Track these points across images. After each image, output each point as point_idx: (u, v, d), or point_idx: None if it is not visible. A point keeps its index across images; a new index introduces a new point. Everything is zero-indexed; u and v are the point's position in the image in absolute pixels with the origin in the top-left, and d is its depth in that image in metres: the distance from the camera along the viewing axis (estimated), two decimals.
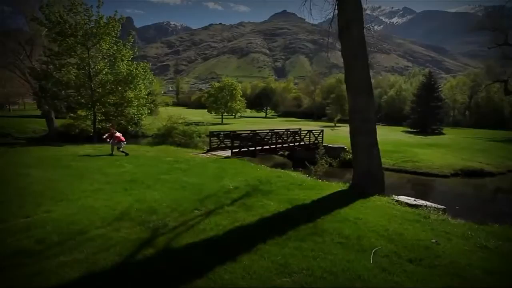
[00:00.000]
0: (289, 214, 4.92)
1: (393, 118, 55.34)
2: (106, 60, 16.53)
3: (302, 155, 16.44)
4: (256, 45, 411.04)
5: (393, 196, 6.67)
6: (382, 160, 7.75)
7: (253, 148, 13.95)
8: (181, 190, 6.27)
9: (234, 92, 54.49)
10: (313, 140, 17.63)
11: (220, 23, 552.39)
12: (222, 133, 15.01)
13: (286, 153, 18.64)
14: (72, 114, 18.16)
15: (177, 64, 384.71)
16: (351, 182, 7.56)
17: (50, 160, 9.23)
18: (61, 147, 13.34)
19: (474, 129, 42.54)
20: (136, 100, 17.52)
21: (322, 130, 18.65)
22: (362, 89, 7.02)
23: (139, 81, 16.80)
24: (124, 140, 11.85)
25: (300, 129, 18.34)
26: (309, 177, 9.61)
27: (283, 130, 16.25)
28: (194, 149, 15.72)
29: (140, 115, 17.99)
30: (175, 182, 7.11)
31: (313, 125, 38.33)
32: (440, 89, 40.45)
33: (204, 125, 19.78)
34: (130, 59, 17.30)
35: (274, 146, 15.14)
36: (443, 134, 34.97)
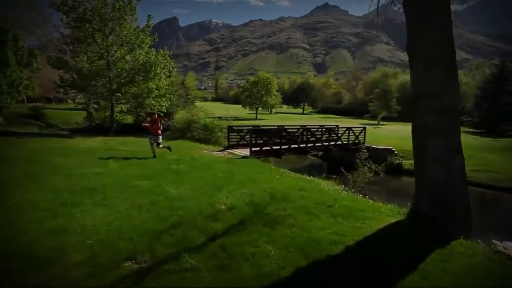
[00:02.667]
0: None
1: None
2: (126, 48, 15.42)
3: (339, 157, 13.65)
4: (295, 40, 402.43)
5: (494, 241, 3.88)
6: None
7: (278, 147, 11.60)
8: (144, 209, 4.27)
9: (269, 86, 52.36)
10: (353, 139, 14.63)
11: (260, 19, 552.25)
12: (244, 128, 12.92)
13: (320, 153, 15.90)
14: (95, 105, 17.56)
15: (217, 60, 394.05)
16: (410, 206, 4.87)
17: (33, 154, 7.98)
18: (70, 139, 12.45)
19: None
20: (157, 91, 16.24)
21: (364, 128, 15.52)
22: (439, 60, 4.30)
23: (157, 69, 15.41)
24: (159, 133, 9.42)
25: (337, 126, 15.44)
26: (345, 190, 7.08)
27: (317, 127, 13.57)
28: (214, 145, 13.90)
29: (160, 107, 16.68)
30: (149, 193, 5.17)
31: (354, 123, 34.37)
32: None
33: (228, 120, 17.84)
34: (149, 46, 16.01)
35: (304, 145, 12.58)
36: None
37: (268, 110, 61.24)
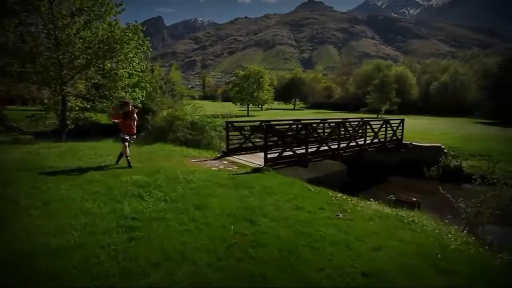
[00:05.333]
0: None
1: (447, 109, 45.73)
2: (80, 19, 11.36)
3: (372, 160, 10.15)
4: (282, 36, 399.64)
5: None
6: None
7: (303, 151, 7.93)
8: None
9: (261, 80, 48.84)
10: (390, 135, 11.14)
11: (246, 17, 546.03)
12: (247, 124, 9.28)
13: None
14: (46, 100, 13.33)
15: (204, 59, 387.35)
16: None
17: None
18: None
19: None
20: (128, 79, 12.29)
21: (402, 121, 12.00)
22: None
23: (125, 48, 11.43)
24: (134, 131, 6.81)
25: (362, 119, 11.88)
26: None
27: (355, 120, 9.96)
28: (206, 150, 10.11)
29: (133, 100, 12.70)
30: None
31: (352, 117, 31.16)
32: None
33: (223, 117, 14.02)
34: (115, 18, 11.98)
35: (335, 145, 8.92)
36: None
37: (258, 106, 57.93)
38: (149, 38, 12.80)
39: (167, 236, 3.17)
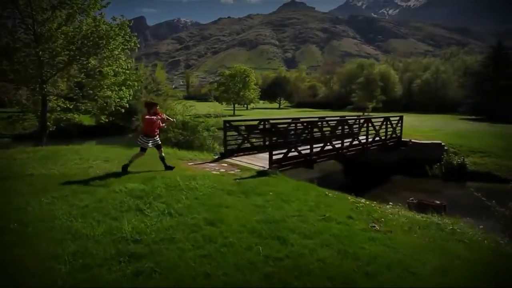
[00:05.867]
0: None
1: (430, 106, 47.02)
2: (62, 13, 10.33)
3: (372, 159, 9.79)
4: (265, 36, 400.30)
5: None
6: None
7: (308, 151, 7.40)
8: None
9: (247, 79, 48.32)
10: (390, 133, 10.85)
11: (229, 17, 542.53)
12: (243, 123, 8.65)
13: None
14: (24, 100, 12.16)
15: (187, 59, 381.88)
16: None
17: None
18: None
19: None
20: (113, 77, 11.35)
21: (400, 117, 11.78)
22: None
23: (110, 43, 10.50)
24: (156, 133, 6.13)
25: (360, 117, 11.55)
26: None
27: (352, 118, 9.56)
28: (200, 152, 9.39)
29: (119, 100, 11.79)
30: None
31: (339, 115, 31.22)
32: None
33: (216, 117, 13.32)
34: (100, 13, 11.01)
35: (339, 144, 8.46)
36: None
37: (243, 106, 57.47)
38: (136, 34, 11.88)
39: (184, 266, 2.50)
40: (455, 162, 10.03)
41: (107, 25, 10.69)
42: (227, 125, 7.89)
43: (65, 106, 11.41)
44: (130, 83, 11.99)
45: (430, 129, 18.45)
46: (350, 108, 53.47)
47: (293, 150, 7.22)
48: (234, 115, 42.35)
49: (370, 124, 9.92)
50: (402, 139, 11.59)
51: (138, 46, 12.00)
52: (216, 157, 7.89)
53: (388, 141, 10.60)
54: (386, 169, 9.33)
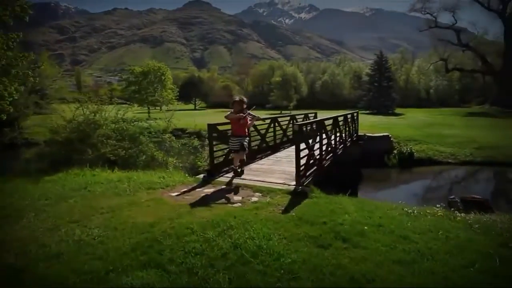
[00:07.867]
0: None
1: (330, 103, 54.48)
2: None
3: (339, 154, 9.73)
4: (171, 34, 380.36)
5: None
6: None
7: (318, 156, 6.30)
8: None
9: (163, 78, 43.79)
10: (352, 129, 11.07)
11: (126, 8, 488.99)
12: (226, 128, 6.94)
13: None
14: None
15: (74, 53, 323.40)
16: None
17: None
18: None
19: (417, 108, 43.41)
20: None
21: (356, 113, 12.12)
22: None
23: None
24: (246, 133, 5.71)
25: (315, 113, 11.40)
26: None
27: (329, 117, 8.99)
28: (163, 172, 7.05)
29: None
30: None
31: (261, 115, 32.23)
32: (389, 68, 39.93)
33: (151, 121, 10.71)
34: None
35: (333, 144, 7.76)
36: (401, 114, 33.79)
37: (158, 108, 52.32)
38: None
39: None
40: (405, 151, 11.08)
41: None
42: (213, 132, 5.88)
43: None
44: (20, 73, 8.30)
45: None
46: (269, 107, 55.81)
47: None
48: (149, 118, 37.62)
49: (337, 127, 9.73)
50: (360, 133, 12.11)
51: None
52: (201, 176, 5.89)
53: (354, 137, 10.80)
54: (352, 163, 9.33)
